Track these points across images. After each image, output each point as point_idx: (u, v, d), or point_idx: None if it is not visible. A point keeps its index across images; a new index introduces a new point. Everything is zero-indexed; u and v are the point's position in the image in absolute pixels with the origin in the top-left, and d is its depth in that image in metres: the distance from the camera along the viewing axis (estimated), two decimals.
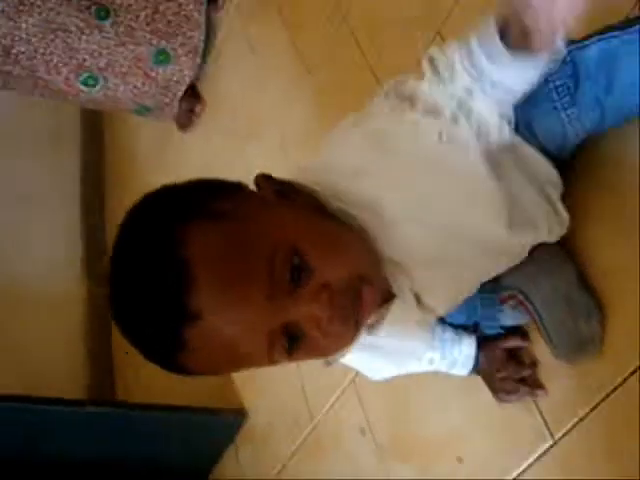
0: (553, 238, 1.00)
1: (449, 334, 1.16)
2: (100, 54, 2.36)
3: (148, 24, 2.41)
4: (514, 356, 1.16)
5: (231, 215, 0.78)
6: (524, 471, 1.17)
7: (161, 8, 2.43)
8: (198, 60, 2.53)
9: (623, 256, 1.02)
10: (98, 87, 2.42)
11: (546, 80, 0.92)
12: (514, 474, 1.19)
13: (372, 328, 0.93)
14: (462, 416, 1.30)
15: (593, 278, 1.04)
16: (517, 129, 0.95)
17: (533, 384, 1.14)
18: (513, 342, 1.16)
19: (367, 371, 1.15)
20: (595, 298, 1.02)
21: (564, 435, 1.10)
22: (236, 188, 0.85)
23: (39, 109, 3.27)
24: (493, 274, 1.00)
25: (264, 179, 0.86)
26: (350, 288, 0.79)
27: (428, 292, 0.94)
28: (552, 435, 1.12)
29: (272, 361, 0.80)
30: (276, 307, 0.75)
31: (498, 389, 1.18)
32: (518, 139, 0.96)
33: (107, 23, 2.35)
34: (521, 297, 1.05)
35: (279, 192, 0.85)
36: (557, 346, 1.06)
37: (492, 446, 1.24)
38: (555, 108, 0.95)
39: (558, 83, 0.94)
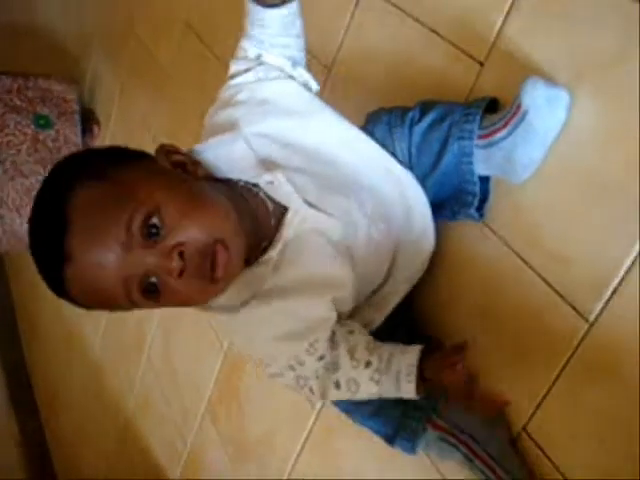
0: None
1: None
2: None
3: (30, 155, 2.50)
4: None
5: (114, 178, 0.93)
6: None
7: (40, 137, 2.52)
8: None
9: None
10: None
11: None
12: None
13: (276, 266, 1.04)
14: None
15: None
16: None
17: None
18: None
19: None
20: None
21: None
22: (137, 156, 1.01)
23: None
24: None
25: (163, 151, 1.02)
26: (205, 248, 0.92)
27: (308, 192, 1.06)
28: None
29: (132, 301, 0.94)
30: (132, 256, 0.89)
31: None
32: None
33: None
34: (466, 438, 1.11)
35: (176, 163, 1.00)
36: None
37: None
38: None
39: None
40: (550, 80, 1.01)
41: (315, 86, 1.16)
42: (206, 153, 1.06)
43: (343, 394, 1.08)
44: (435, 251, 1.19)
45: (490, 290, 1.14)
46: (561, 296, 1.04)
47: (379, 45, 1.39)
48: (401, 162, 1.14)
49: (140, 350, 2.40)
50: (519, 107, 1.00)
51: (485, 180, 1.11)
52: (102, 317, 2.67)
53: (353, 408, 1.22)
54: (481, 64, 1.17)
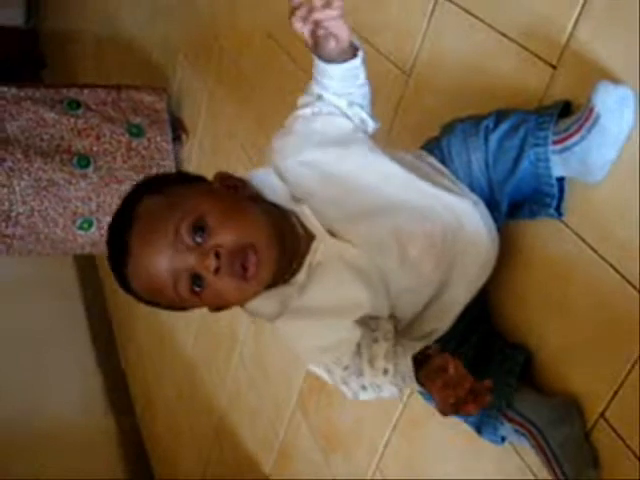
0: None
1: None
2: (90, 199, 2.58)
3: (125, 162, 2.65)
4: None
5: (172, 193, 1.13)
6: None
7: (133, 145, 2.67)
8: None
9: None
10: (93, 229, 2.61)
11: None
12: None
13: (302, 287, 1.15)
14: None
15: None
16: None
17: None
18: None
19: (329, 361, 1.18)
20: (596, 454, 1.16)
21: None
22: (195, 179, 1.22)
23: (34, 261, 3.42)
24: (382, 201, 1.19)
25: (218, 176, 1.20)
26: (238, 250, 1.07)
27: (333, 222, 1.17)
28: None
29: (179, 296, 1.10)
30: (177, 254, 1.07)
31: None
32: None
33: (89, 170, 2.58)
34: (534, 431, 1.18)
35: (228, 185, 1.17)
36: (569, 476, 1.13)
37: None
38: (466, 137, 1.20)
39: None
40: (619, 82, 1.06)
41: (372, 125, 1.25)
42: (255, 180, 1.21)
43: (370, 394, 1.16)
44: (511, 247, 1.26)
45: (566, 283, 1.20)
46: (633, 285, 1.08)
47: (453, 51, 1.45)
48: (457, 181, 1.22)
49: (232, 347, 2.50)
50: (591, 111, 1.05)
51: (561, 179, 1.16)
52: (194, 316, 2.76)
53: None
54: (554, 67, 1.22)
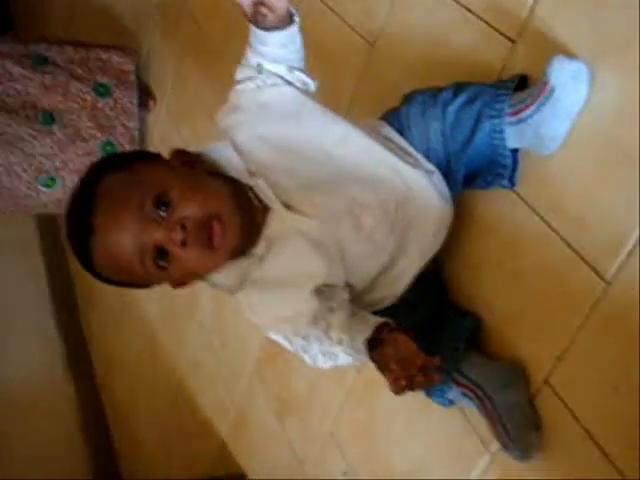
0: None
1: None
2: (55, 155, 2.55)
3: (90, 120, 2.62)
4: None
5: (133, 170, 1.14)
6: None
7: (99, 104, 2.65)
8: (136, 146, 2.75)
9: None
10: (57, 186, 2.58)
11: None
12: None
13: (260, 260, 1.18)
14: (423, 446, 1.46)
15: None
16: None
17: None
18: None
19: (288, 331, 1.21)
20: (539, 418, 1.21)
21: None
22: (154, 156, 1.22)
23: None
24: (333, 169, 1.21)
25: (175, 152, 1.21)
26: (203, 221, 1.08)
27: (289, 194, 1.19)
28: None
29: (146, 271, 1.10)
30: (143, 229, 1.07)
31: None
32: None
33: (55, 127, 2.55)
34: (481, 394, 1.23)
35: (185, 161, 1.18)
36: (512, 438, 1.18)
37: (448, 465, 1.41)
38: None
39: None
40: (574, 57, 1.09)
41: (312, 84, 1.25)
42: (211, 155, 1.22)
43: (328, 362, 1.19)
44: (465, 217, 1.29)
45: (516, 252, 1.23)
46: (581, 257, 1.13)
47: (417, 24, 1.47)
48: (412, 149, 1.25)
49: (192, 312, 2.51)
50: (546, 84, 1.08)
51: (515, 151, 1.19)
52: None
53: None
54: (513, 42, 1.24)
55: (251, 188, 1.19)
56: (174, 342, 2.72)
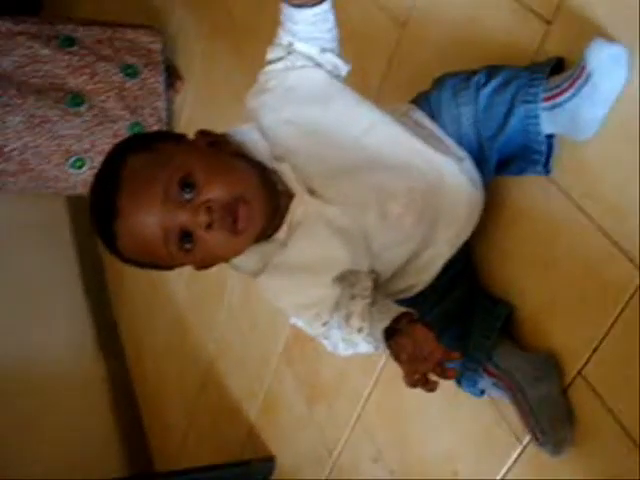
0: None
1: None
2: (83, 137, 2.54)
3: (118, 102, 2.61)
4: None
5: (158, 150, 1.12)
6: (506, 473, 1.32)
7: (127, 85, 2.63)
8: (165, 127, 2.74)
9: None
10: (86, 167, 2.58)
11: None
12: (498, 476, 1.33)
13: (283, 245, 1.17)
14: (453, 434, 1.44)
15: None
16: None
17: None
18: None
19: (308, 321, 1.19)
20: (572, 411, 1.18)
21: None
22: (178, 137, 1.19)
23: (26, 207, 3.48)
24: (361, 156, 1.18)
25: (199, 133, 1.18)
26: (229, 204, 1.07)
27: (313, 180, 1.17)
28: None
29: (170, 253, 1.09)
30: (168, 211, 1.06)
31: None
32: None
33: (83, 108, 2.54)
34: (513, 385, 1.20)
35: (210, 142, 1.16)
36: (545, 432, 1.16)
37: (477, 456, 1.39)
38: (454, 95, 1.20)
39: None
40: (613, 40, 1.05)
41: (345, 68, 1.21)
42: (236, 137, 1.20)
43: (349, 349, 1.16)
44: (498, 203, 1.26)
45: (551, 240, 1.20)
46: (618, 247, 1.09)
47: (448, 4, 1.43)
48: (444, 134, 1.22)
49: (221, 295, 2.50)
50: (584, 68, 1.04)
51: (550, 136, 1.16)
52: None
53: None
54: (548, 23, 1.20)
55: (276, 172, 1.17)
56: (203, 324, 2.71)
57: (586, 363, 1.15)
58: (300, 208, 1.15)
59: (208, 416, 2.73)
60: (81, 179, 2.62)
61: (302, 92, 1.18)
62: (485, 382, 1.25)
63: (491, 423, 1.32)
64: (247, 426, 2.37)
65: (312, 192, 1.16)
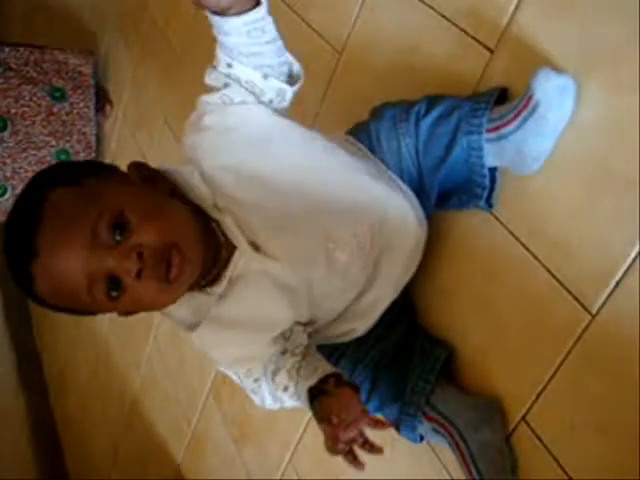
0: None
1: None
2: (5, 164, 2.45)
3: (45, 127, 2.52)
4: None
5: (87, 185, 0.99)
6: None
7: (54, 109, 2.54)
8: (93, 154, 2.66)
9: None
10: (8, 195, 2.49)
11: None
12: None
13: (221, 298, 1.08)
14: None
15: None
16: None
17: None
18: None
19: (239, 373, 1.15)
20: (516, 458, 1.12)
21: None
22: (110, 169, 1.08)
23: None
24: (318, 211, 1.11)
25: (133, 166, 1.07)
26: (162, 251, 0.96)
27: (257, 233, 1.08)
28: None
29: (95, 301, 0.98)
30: (95, 256, 0.94)
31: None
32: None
33: (6, 134, 2.44)
34: (453, 431, 1.13)
35: (145, 177, 1.05)
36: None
37: None
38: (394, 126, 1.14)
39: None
40: (559, 70, 1.01)
41: (290, 94, 1.11)
42: (175, 176, 1.10)
43: (275, 404, 1.13)
44: (438, 239, 1.21)
45: (493, 279, 1.15)
46: (564, 287, 1.04)
47: (388, 31, 1.38)
48: (384, 167, 1.16)
49: (147, 330, 2.42)
50: (530, 98, 1.00)
51: (493, 169, 1.11)
52: None
53: None
54: (491, 51, 1.16)
55: (217, 221, 1.08)
56: (128, 358, 2.63)
57: (530, 408, 1.09)
58: (242, 262, 1.07)
59: (134, 455, 2.64)
60: (3, 207, 2.52)
61: (240, 134, 1.08)
62: (424, 428, 1.18)
63: (429, 471, 1.26)
64: (174, 466, 2.28)
65: (256, 247, 1.08)
